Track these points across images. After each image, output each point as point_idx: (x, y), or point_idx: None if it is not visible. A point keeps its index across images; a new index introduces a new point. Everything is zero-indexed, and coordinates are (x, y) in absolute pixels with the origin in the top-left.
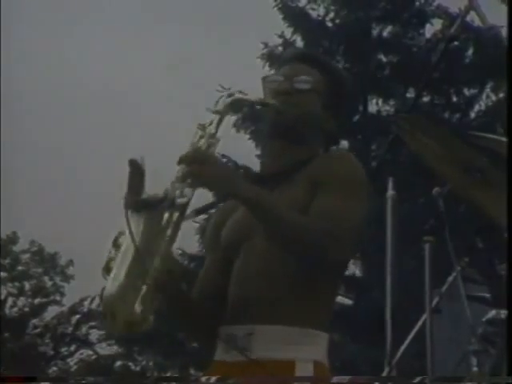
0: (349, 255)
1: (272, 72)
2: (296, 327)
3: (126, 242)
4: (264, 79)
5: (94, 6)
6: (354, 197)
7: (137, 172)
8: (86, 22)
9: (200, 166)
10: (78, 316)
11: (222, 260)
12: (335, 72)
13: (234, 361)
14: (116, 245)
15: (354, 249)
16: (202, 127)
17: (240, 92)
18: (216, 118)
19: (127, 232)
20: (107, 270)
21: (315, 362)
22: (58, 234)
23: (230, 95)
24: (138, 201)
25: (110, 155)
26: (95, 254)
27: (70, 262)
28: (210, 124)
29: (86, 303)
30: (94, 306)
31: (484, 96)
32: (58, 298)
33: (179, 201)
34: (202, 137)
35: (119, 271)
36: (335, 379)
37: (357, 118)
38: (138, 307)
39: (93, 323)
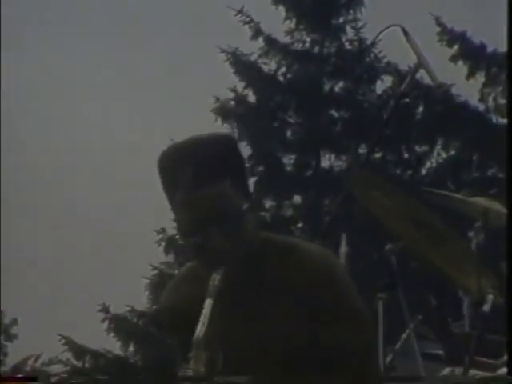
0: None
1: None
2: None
3: None
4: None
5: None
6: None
7: None
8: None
9: None
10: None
11: None
12: (235, 149)
13: None
14: None
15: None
16: None
17: None
18: None
19: None
20: None
21: None
22: (2, 292)
23: None
24: None
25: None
26: (40, 313)
27: (14, 321)
28: None
29: (30, 362)
30: (38, 364)
31: (435, 153)
32: (1, 357)
33: None
34: None
35: None
36: None
37: (309, 173)
38: None
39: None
